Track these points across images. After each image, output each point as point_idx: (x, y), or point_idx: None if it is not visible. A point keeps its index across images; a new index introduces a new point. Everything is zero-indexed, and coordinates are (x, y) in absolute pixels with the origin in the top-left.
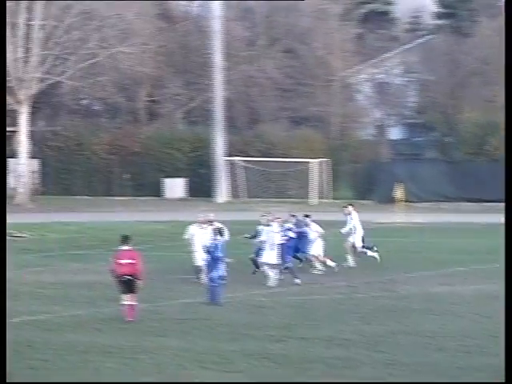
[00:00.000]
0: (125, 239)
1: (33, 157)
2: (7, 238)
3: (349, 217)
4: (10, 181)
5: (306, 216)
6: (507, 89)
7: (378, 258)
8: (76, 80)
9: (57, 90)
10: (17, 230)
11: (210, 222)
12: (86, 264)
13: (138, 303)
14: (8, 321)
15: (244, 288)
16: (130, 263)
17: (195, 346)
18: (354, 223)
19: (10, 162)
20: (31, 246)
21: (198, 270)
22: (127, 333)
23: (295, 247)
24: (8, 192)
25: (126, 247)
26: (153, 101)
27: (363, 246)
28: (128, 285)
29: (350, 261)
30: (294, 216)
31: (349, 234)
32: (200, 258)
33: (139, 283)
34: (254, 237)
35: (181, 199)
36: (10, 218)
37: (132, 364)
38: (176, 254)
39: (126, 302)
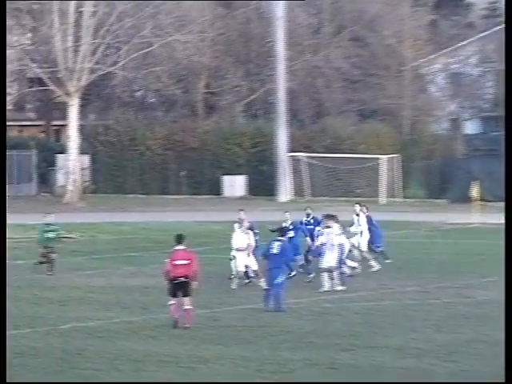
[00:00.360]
0: (179, 238)
1: (83, 152)
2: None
3: (356, 217)
4: (59, 178)
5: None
6: (507, 88)
7: (376, 267)
8: (129, 71)
9: (109, 82)
10: (66, 231)
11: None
12: (140, 267)
13: (195, 309)
14: (57, 327)
15: (308, 293)
16: (185, 264)
17: (256, 354)
18: (361, 225)
19: (59, 158)
20: (81, 247)
21: (246, 274)
22: (184, 341)
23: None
24: (57, 190)
25: (180, 247)
26: (211, 93)
27: (371, 250)
28: (182, 287)
29: (373, 263)
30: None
31: (354, 234)
32: (241, 263)
33: (194, 285)
34: (280, 231)
35: (240, 198)
36: (59, 218)
37: (189, 374)
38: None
39: (172, 302)
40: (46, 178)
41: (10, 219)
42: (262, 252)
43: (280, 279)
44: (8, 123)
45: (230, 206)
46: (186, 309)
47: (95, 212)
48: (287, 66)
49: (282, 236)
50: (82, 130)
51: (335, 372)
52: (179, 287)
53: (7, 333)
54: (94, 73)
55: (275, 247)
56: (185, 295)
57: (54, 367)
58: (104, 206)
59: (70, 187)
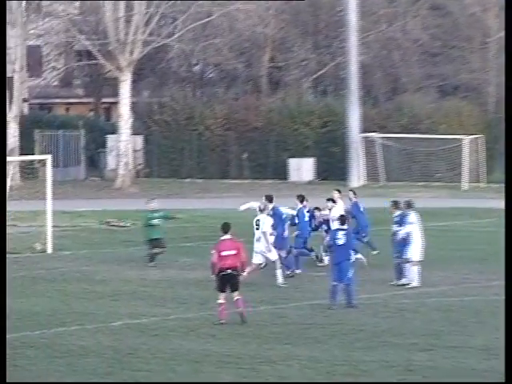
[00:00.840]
0: (226, 227)
1: (135, 133)
2: (106, 227)
3: (331, 204)
4: (109, 161)
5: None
6: (507, 87)
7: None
8: (186, 43)
9: (164, 55)
10: (117, 219)
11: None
12: (197, 258)
13: (259, 305)
14: (107, 324)
15: (383, 288)
16: (232, 255)
17: (326, 355)
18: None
19: (110, 139)
20: (134, 237)
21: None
22: (246, 339)
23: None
24: (107, 174)
25: (227, 236)
26: (276, 67)
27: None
28: (230, 281)
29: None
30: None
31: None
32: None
33: (242, 277)
34: (341, 219)
35: (309, 183)
36: (110, 205)
37: (251, 376)
38: None
39: (221, 301)
40: (95, 161)
41: (56, 206)
42: (328, 242)
43: (351, 273)
44: (54, 101)
45: (296, 191)
46: (237, 299)
47: (147, 197)
48: (360, 38)
49: (343, 224)
50: (134, 108)
51: (412, 374)
52: (227, 280)
53: (53, 330)
54: (148, 45)
55: (341, 237)
56: (233, 290)
57: (103, 368)
58: (158, 191)
59: (121, 171)
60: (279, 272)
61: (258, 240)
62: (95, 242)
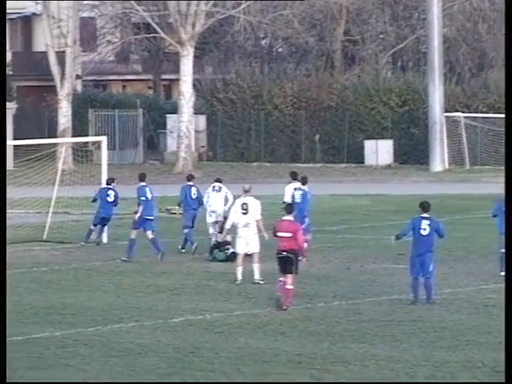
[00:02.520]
0: (289, 208)
1: (198, 112)
2: (166, 215)
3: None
4: (170, 143)
5: None
6: (507, 87)
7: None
8: (253, 14)
9: (229, 28)
10: (178, 206)
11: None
12: (266, 250)
13: (332, 300)
14: (167, 321)
15: (467, 282)
16: (288, 237)
17: (405, 354)
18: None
19: (170, 119)
20: (196, 225)
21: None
22: (318, 337)
23: None
24: (167, 157)
25: (287, 217)
26: (351, 41)
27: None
28: (285, 263)
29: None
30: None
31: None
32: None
33: (300, 262)
34: (423, 206)
35: (386, 167)
36: (170, 190)
37: (325, 377)
38: (378, 237)
39: (282, 278)
40: (154, 143)
41: None
42: (401, 233)
43: (432, 266)
44: (109, 77)
45: (373, 176)
46: (286, 288)
47: (211, 183)
48: (443, 9)
49: (426, 212)
50: (196, 85)
51: (499, 376)
52: (282, 262)
53: (108, 327)
54: (212, 17)
55: (425, 227)
56: (287, 272)
57: (163, 368)
58: (223, 176)
59: (182, 154)
60: (256, 266)
61: (247, 226)
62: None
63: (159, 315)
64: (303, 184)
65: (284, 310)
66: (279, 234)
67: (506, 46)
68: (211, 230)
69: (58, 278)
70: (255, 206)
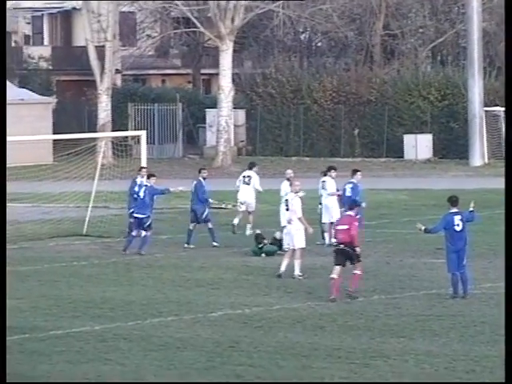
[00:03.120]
0: (352, 204)
1: (237, 107)
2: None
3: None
4: (209, 137)
5: None
6: (507, 87)
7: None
8: (292, 9)
9: (268, 22)
10: (218, 200)
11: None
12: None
13: (372, 295)
14: (206, 315)
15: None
16: (344, 229)
17: (444, 349)
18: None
19: (209, 113)
20: (231, 218)
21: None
22: (357, 332)
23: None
24: (206, 152)
25: (350, 212)
26: (391, 35)
27: None
28: (344, 255)
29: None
30: None
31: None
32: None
33: (357, 251)
34: (451, 200)
35: (426, 161)
36: (210, 185)
37: (364, 371)
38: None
39: (333, 276)
40: (193, 137)
41: None
42: (433, 230)
43: (465, 260)
44: (149, 72)
45: (412, 170)
46: (354, 273)
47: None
48: (482, 3)
49: (454, 206)
50: (236, 79)
51: None
52: (339, 254)
53: (148, 321)
54: (251, 11)
55: (458, 223)
56: (351, 263)
57: (202, 362)
58: (262, 170)
59: (221, 148)
60: (298, 262)
61: (289, 222)
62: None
63: (198, 309)
64: (352, 176)
65: (350, 296)
66: (338, 227)
67: (506, 45)
68: (235, 220)
69: (98, 272)
70: (295, 203)
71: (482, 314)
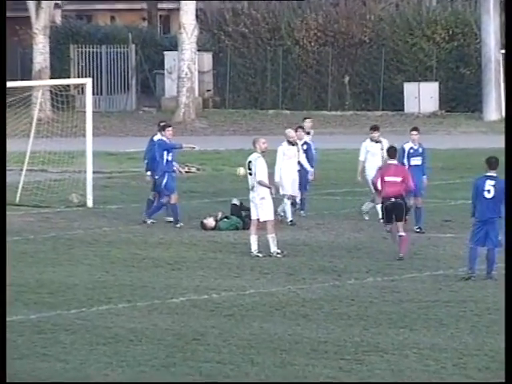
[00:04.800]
0: (392, 151)
1: (202, 49)
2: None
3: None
4: (168, 86)
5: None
6: (507, 87)
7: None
8: None
9: None
10: (179, 163)
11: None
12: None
13: (365, 276)
14: (165, 301)
15: None
16: (397, 182)
17: (453, 342)
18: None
19: (169, 56)
20: (200, 186)
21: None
22: (348, 322)
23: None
24: (165, 103)
25: (393, 161)
26: None
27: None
28: (394, 210)
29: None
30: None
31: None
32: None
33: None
34: (489, 162)
35: (431, 115)
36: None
37: (356, 369)
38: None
39: (388, 228)
40: (149, 86)
41: (98, 145)
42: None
43: (500, 235)
44: (95, 7)
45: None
46: (400, 236)
47: (220, 134)
48: None
49: (492, 169)
50: (200, 16)
51: None
52: (391, 210)
53: (94, 309)
54: None
55: (489, 188)
56: (397, 220)
57: (160, 358)
58: (233, 126)
59: (183, 99)
60: (271, 237)
61: (253, 189)
62: (149, 193)
63: (155, 294)
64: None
65: (400, 259)
66: (388, 178)
67: (507, 45)
68: None
69: (34, 249)
70: (259, 165)
71: (498, 299)
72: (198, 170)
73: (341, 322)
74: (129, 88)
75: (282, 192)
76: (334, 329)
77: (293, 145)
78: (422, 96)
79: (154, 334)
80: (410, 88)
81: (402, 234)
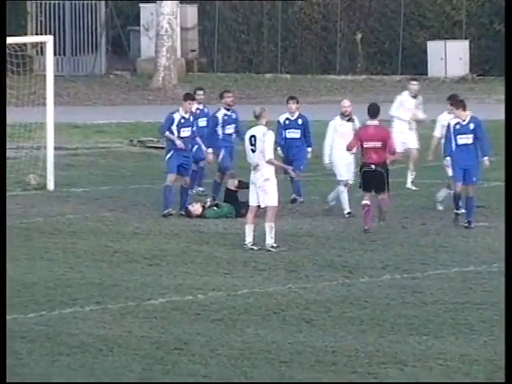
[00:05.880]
0: (373, 109)
1: (186, 1)
2: (139, 150)
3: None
4: (145, 46)
5: None
6: (507, 88)
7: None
8: None
9: None
10: (156, 138)
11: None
12: (285, 199)
13: (381, 273)
14: (141, 303)
15: None
16: (376, 148)
17: (486, 351)
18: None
19: (145, 10)
20: None
21: None
22: (360, 327)
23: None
24: (141, 66)
25: (372, 122)
26: None
27: None
28: (374, 179)
29: None
30: None
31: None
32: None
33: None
34: None
35: (460, 80)
36: (145, 114)
37: (420, 376)
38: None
39: (365, 202)
40: (121, 46)
41: (61, 115)
42: None
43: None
44: None
45: (440, 93)
46: (381, 198)
47: (207, 103)
48: None
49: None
50: None
51: None
52: (370, 179)
53: (56, 312)
54: None
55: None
56: (377, 191)
57: (135, 371)
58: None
59: (163, 61)
60: (269, 226)
61: (255, 169)
62: (122, 174)
63: (130, 295)
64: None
65: (382, 222)
66: (366, 144)
67: (507, 43)
68: None
69: None
70: (267, 140)
71: None
72: None
73: (352, 327)
74: (97, 48)
75: (338, 178)
76: (343, 336)
77: (349, 120)
78: (449, 57)
79: (127, 343)
80: (434, 47)
81: (384, 196)
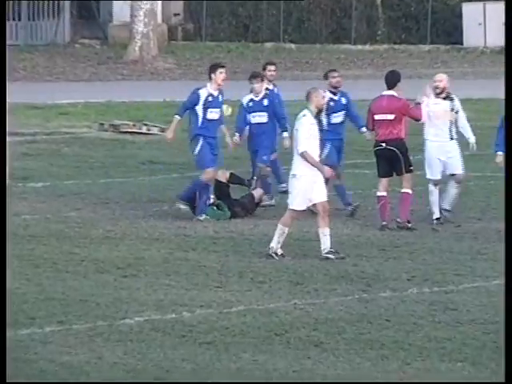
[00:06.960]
0: (392, 77)
1: None
2: (110, 135)
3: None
4: (118, 10)
5: None
6: (507, 87)
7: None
8: None
9: None
10: (131, 120)
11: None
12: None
13: (407, 286)
14: (115, 323)
15: None
16: (389, 121)
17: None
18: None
19: None
20: (163, 154)
21: None
22: (381, 352)
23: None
24: (113, 34)
25: (388, 92)
26: None
27: None
28: (389, 160)
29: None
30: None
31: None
32: None
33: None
34: None
35: (501, 50)
36: (118, 93)
37: None
38: (488, 174)
39: (380, 194)
40: (89, 9)
41: (15, 94)
42: None
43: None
44: None
45: (478, 66)
46: (403, 192)
47: (193, 79)
48: None
49: None
50: None
51: None
52: (384, 159)
53: (11, 333)
54: None
55: None
56: (397, 173)
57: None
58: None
59: (140, 27)
60: (281, 229)
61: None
62: (90, 164)
63: (100, 313)
64: None
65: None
66: (377, 116)
67: (506, 43)
68: None
69: None
70: (302, 129)
71: None
72: (162, 131)
73: (371, 352)
74: (60, 11)
75: (427, 176)
76: (360, 363)
77: (444, 98)
78: (489, 23)
79: (97, 371)
80: (471, 11)
81: (406, 190)
